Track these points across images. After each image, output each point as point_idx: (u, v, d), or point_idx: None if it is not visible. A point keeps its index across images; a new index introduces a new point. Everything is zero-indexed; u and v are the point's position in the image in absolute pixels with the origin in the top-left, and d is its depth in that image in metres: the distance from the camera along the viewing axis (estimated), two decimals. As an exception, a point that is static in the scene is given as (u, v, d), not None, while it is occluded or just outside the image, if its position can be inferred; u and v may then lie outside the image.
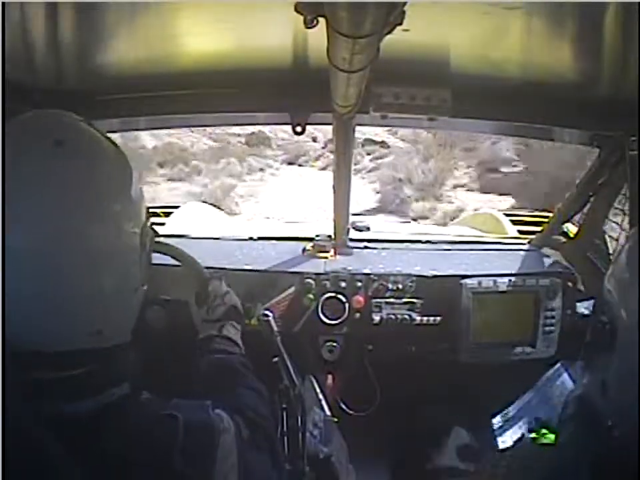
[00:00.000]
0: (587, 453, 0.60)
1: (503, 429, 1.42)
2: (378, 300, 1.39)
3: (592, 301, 1.42)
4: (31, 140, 0.55)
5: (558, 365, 1.42)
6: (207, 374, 0.85)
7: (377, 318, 1.37)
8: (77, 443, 0.50)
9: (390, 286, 1.39)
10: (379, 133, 12.55)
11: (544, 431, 1.22)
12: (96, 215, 0.56)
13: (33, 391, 0.52)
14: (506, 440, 1.37)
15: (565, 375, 1.39)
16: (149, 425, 0.57)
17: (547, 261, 1.54)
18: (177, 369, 1.00)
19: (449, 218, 6.71)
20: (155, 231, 0.75)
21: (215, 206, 2.78)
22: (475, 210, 5.57)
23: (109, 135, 0.63)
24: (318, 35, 0.59)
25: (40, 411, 0.51)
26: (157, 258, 1.10)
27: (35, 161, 0.53)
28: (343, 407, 1.45)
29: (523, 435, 1.32)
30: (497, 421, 1.43)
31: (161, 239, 1.15)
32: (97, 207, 0.56)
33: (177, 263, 1.04)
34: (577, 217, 1.45)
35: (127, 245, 0.59)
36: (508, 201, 7.75)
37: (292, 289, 1.37)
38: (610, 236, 1.37)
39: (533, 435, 1.26)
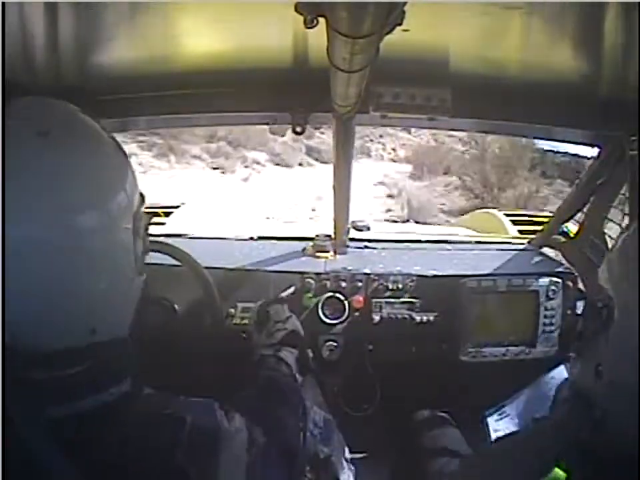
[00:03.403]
0: (577, 440, 0.61)
1: (497, 424, 1.41)
2: (378, 300, 1.39)
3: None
4: (15, 130, 0.52)
5: (559, 365, 1.42)
6: (254, 389, 0.83)
7: (376, 318, 1.37)
8: (76, 443, 0.50)
9: (390, 286, 1.39)
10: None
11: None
12: (84, 207, 0.53)
13: (32, 392, 0.51)
14: (499, 432, 1.37)
15: (564, 374, 1.39)
16: (151, 424, 0.56)
17: (547, 261, 1.54)
18: (185, 366, 1.00)
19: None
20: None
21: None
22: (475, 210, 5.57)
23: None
24: (318, 35, 0.59)
25: (38, 411, 0.50)
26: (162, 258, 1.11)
27: (18, 152, 0.50)
28: (343, 406, 1.45)
29: (517, 429, 1.31)
30: (491, 417, 1.43)
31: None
32: (85, 199, 0.53)
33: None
34: (577, 217, 1.45)
35: (118, 238, 0.57)
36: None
37: (292, 289, 1.37)
38: (610, 236, 1.37)
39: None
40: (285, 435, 0.73)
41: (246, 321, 1.33)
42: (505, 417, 1.36)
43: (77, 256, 0.52)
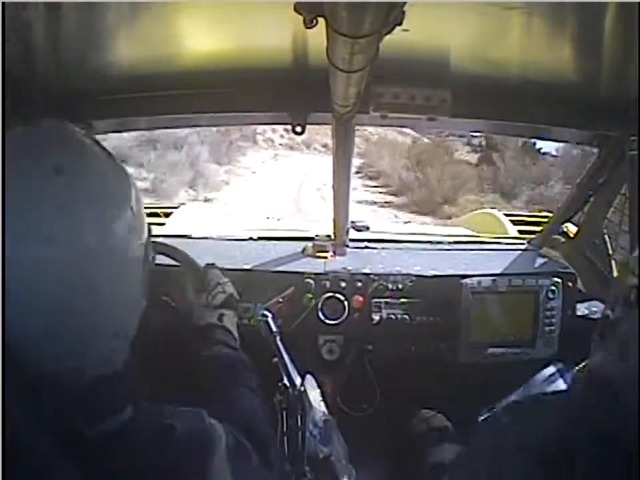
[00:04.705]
0: (589, 419, 0.60)
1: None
2: (377, 300, 1.39)
3: (592, 301, 1.42)
4: (30, 162, 0.52)
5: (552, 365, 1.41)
6: (207, 370, 0.85)
7: (376, 318, 1.37)
8: (80, 468, 0.49)
9: (389, 286, 1.39)
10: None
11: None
12: (97, 237, 0.54)
13: (42, 413, 0.50)
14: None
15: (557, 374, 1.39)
16: (148, 437, 0.57)
17: (547, 261, 1.54)
18: (175, 372, 1.00)
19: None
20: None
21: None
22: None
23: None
24: (317, 35, 0.59)
25: (43, 427, 0.49)
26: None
27: (34, 185, 0.51)
28: (343, 406, 1.45)
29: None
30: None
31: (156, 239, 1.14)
32: (98, 230, 0.54)
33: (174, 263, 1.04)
34: (576, 217, 1.45)
35: (127, 267, 0.58)
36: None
37: (291, 289, 1.37)
38: (609, 236, 1.37)
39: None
40: (247, 419, 0.74)
41: (245, 321, 1.33)
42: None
43: (87, 288, 0.54)
